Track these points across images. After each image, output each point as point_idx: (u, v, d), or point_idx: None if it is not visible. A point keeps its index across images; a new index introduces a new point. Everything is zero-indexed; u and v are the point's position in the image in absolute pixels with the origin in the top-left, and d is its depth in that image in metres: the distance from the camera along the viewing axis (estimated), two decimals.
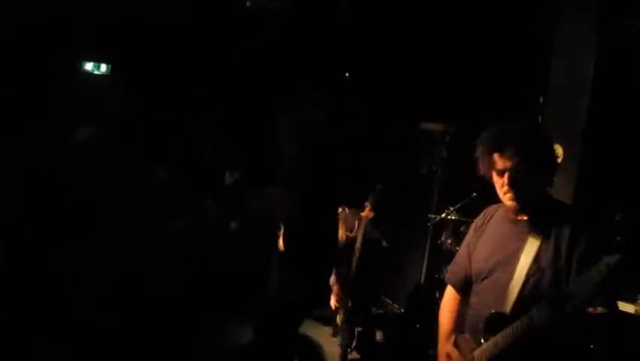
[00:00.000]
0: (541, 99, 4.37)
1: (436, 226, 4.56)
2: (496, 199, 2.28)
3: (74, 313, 1.54)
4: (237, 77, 4.09)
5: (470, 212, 3.95)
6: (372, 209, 4.47)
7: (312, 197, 3.03)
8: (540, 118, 4.23)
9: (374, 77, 5.40)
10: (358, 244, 4.52)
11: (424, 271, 4.55)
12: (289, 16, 4.82)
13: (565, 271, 2.03)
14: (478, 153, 2.16)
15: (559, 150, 3.75)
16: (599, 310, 1.95)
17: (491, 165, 2.11)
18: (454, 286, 2.45)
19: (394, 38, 5.26)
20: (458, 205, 4.41)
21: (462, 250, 2.43)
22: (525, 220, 2.16)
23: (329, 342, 4.57)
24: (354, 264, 4.53)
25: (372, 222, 4.51)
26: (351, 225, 4.70)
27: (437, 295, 4.08)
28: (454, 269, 2.47)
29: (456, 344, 2.30)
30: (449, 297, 2.46)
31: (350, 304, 4.52)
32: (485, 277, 2.21)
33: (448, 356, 2.30)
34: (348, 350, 4.45)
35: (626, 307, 3.11)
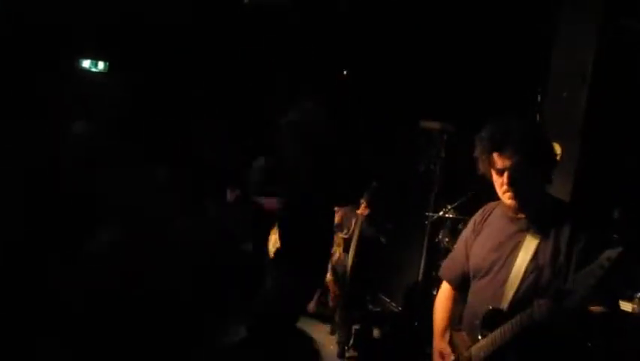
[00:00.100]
0: (539, 97, 4.37)
1: (434, 224, 4.56)
2: (494, 198, 2.28)
3: (73, 312, 1.53)
4: (236, 75, 4.08)
5: (468, 210, 3.94)
6: (368, 206, 4.48)
7: (310, 194, 3.03)
8: (538, 116, 4.22)
9: (372, 75, 5.40)
10: (354, 242, 4.52)
11: (421, 269, 4.55)
12: (288, 14, 4.81)
13: (564, 270, 2.03)
14: (478, 151, 2.16)
15: (557, 148, 3.74)
16: (600, 308, 1.95)
17: (491, 163, 2.12)
18: (449, 282, 2.44)
19: (393, 36, 5.25)
20: (456, 204, 4.40)
21: (459, 246, 2.42)
22: (524, 218, 2.17)
23: (327, 340, 4.58)
24: (350, 262, 4.54)
25: (368, 219, 4.51)
26: (347, 225, 4.70)
27: (434, 293, 4.08)
28: (450, 265, 2.47)
29: (451, 341, 2.30)
30: (444, 293, 2.46)
31: (347, 302, 4.52)
32: (483, 275, 2.21)
33: (443, 353, 2.30)
34: (346, 347, 4.46)
35: (624, 305, 3.12)
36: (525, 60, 4.42)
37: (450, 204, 4.47)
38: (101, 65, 3.96)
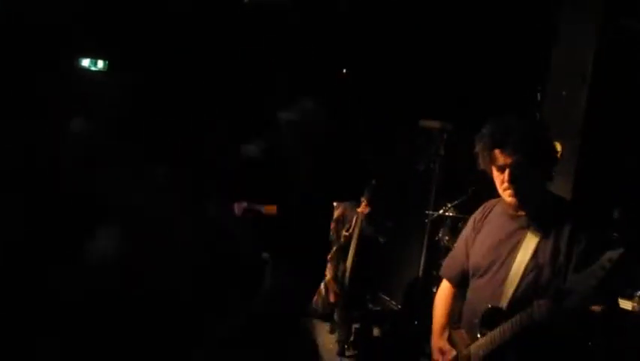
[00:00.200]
0: (539, 96, 4.37)
1: (434, 222, 4.56)
2: (494, 196, 2.28)
3: (73, 312, 1.53)
4: (236, 75, 4.07)
5: (468, 209, 3.94)
6: (368, 205, 4.48)
7: (310, 194, 3.02)
8: (538, 115, 4.22)
9: (372, 74, 5.39)
10: (355, 240, 4.52)
11: (421, 267, 4.55)
12: (288, 14, 4.80)
13: (564, 269, 2.03)
14: (479, 148, 2.16)
15: (558, 146, 3.74)
16: (599, 307, 1.95)
17: (492, 160, 2.11)
18: (449, 280, 2.44)
19: (392, 35, 5.24)
20: (456, 202, 4.41)
21: (459, 244, 2.42)
22: (524, 216, 2.16)
23: (326, 338, 4.58)
24: (350, 260, 4.54)
25: (368, 218, 4.52)
26: (348, 220, 4.70)
27: (434, 292, 4.08)
28: (450, 263, 2.47)
29: (451, 339, 2.30)
30: (444, 291, 2.45)
31: (347, 300, 4.53)
32: (483, 273, 2.21)
33: (442, 351, 2.30)
34: (346, 346, 4.47)
35: (624, 303, 3.12)
36: (525, 59, 4.41)
37: (450, 202, 4.47)
38: (100, 63, 3.96)
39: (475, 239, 2.31)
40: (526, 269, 2.08)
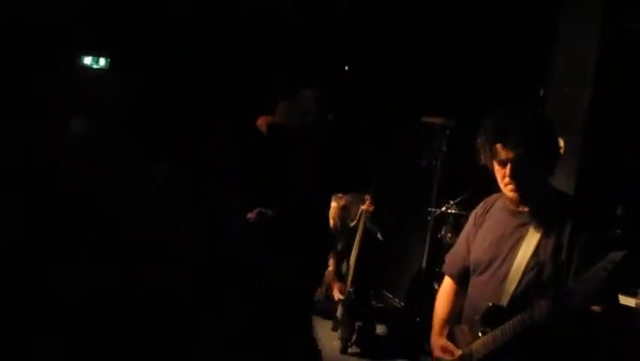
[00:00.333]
0: (542, 92, 4.35)
1: (436, 219, 4.55)
2: (496, 192, 2.27)
3: (73, 312, 1.53)
4: (236, 75, 4.07)
5: (470, 206, 3.93)
6: (372, 203, 4.47)
7: (310, 194, 3.02)
8: (541, 111, 4.21)
9: (374, 70, 5.38)
10: (358, 238, 4.52)
11: (424, 264, 4.55)
12: (288, 14, 4.79)
13: (565, 267, 2.01)
14: (480, 142, 2.13)
15: (560, 142, 3.72)
16: (599, 307, 1.94)
17: (493, 155, 2.08)
18: (451, 277, 2.41)
19: (394, 31, 5.23)
20: (458, 199, 4.40)
21: (461, 240, 2.40)
22: (526, 212, 2.13)
23: (329, 336, 4.57)
24: (353, 258, 4.53)
25: (372, 216, 4.51)
26: (353, 213, 4.68)
27: (437, 289, 4.08)
28: (452, 259, 2.44)
29: (452, 335, 2.29)
30: (446, 288, 2.43)
31: (350, 298, 4.52)
32: (484, 270, 2.19)
33: (444, 349, 2.29)
34: (349, 343, 4.46)
35: (627, 300, 3.10)
36: (528, 55, 4.40)
37: (452, 199, 4.47)
38: (102, 61, 3.95)
39: (476, 234, 2.29)
40: (527, 266, 2.06)
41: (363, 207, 4.52)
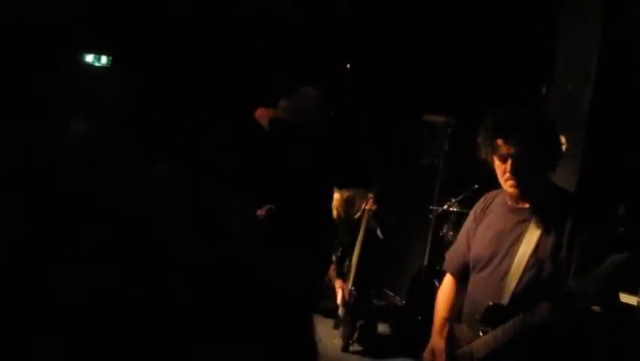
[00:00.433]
0: (543, 90, 4.34)
1: (438, 217, 4.55)
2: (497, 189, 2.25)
3: (73, 312, 1.53)
4: (236, 75, 4.07)
5: (472, 204, 3.92)
6: (375, 202, 4.46)
7: (310, 194, 3.01)
8: (543, 108, 4.20)
9: (376, 68, 5.37)
10: (360, 237, 4.51)
11: (425, 263, 4.54)
12: (288, 14, 4.79)
13: (565, 267, 2.00)
14: (480, 137, 2.12)
15: (562, 138, 3.72)
16: (602, 309, 1.93)
17: (493, 150, 2.07)
18: (452, 274, 2.40)
19: (396, 29, 5.22)
20: (460, 197, 4.39)
21: (461, 237, 2.38)
22: (526, 208, 2.12)
23: (330, 334, 4.57)
24: (355, 257, 4.53)
25: (375, 215, 4.50)
26: (357, 206, 4.67)
27: (438, 287, 4.07)
28: (452, 256, 2.43)
29: (452, 333, 2.28)
30: (447, 286, 2.42)
31: (352, 296, 4.52)
32: (484, 266, 2.18)
33: (436, 350, 2.27)
34: (350, 341, 4.46)
35: (629, 298, 3.09)
36: (529, 53, 4.39)
37: (454, 197, 4.46)
38: (104, 59, 3.94)
39: (476, 230, 2.27)
40: (527, 264, 2.04)
41: (366, 206, 4.51)
